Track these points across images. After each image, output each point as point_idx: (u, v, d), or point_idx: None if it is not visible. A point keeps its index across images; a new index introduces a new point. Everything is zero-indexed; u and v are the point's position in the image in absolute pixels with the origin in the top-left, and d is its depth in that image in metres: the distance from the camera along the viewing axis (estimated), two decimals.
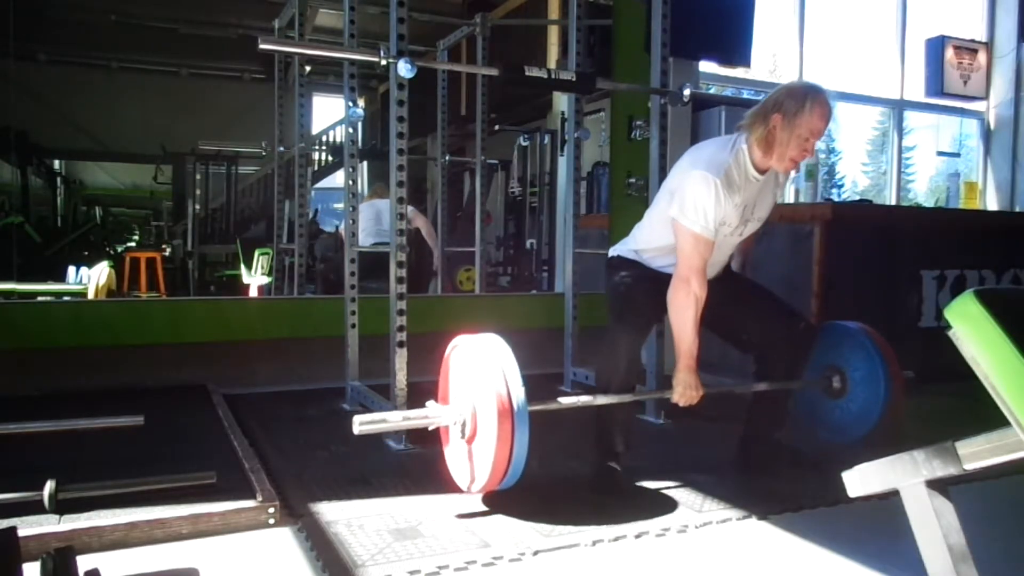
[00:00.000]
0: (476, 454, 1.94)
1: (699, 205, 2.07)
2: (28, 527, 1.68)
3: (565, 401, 2.11)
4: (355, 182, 3.29)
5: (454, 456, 2.08)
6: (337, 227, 7.84)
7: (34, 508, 1.83)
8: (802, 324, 2.36)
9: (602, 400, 2.17)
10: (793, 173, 2.24)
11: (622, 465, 2.22)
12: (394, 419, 2.01)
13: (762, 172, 2.15)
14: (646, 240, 2.32)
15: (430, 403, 2.09)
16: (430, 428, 2.07)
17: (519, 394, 1.83)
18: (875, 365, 2.35)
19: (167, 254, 8.95)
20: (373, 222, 5.10)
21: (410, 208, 4.96)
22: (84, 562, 1.25)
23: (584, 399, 2.15)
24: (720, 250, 2.25)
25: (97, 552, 1.68)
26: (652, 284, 2.24)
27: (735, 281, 2.41)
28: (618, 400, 2.18)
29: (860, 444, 2.35)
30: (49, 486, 1.84)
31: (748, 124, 2.12)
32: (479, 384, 1.91)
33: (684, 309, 2.08)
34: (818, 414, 2.53)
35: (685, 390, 2.14)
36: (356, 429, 1.91)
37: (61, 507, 1.84)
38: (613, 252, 2.43)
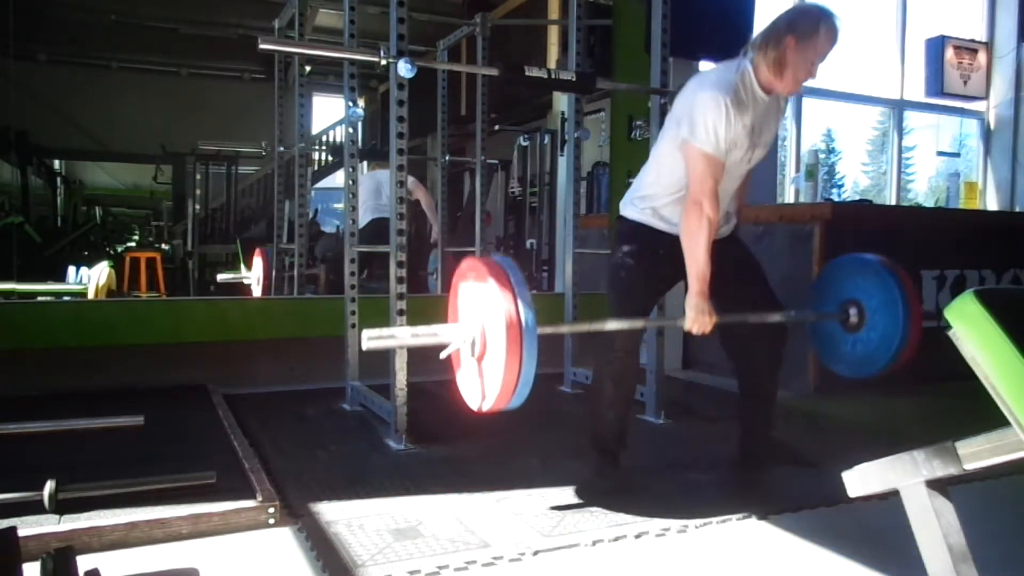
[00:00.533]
0: (486, 372, 1.88)
1: (710, 124, 2.05)
2: (28, 527, 1.68)
3: (564, 328, 2.06)
4: (355, 182, 3.30)
5: (465, 377, 2.00)
6: (338, 227, 7.84)
7: (34, 508, 1.83)
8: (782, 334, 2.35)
9: (612, 325, 2.12)
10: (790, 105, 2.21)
11: (620, 464, 2.22)
12: (403, 335, 1.98)
13: (767, 93, 2.15)
14: (654, 182, 2.26)
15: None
16: (440, 346, 1.99)
17: (528, 309, 1.79)
18: (891, 290, 2.24)
19: (167, 253, 8.94)
20: (373, 196, 5.10)
21: (411, 179, 4.97)
22: (84, 562, 1.25)
23: (595, 325, 2.11)
24: (731, 178, 2.21)
25: (97, 552, 1.68)
26: (653, 265, 2.22)
27: (735, 258, 2.34)
28: (628, 326, 2.14)
29: (883, 372, 2.26)
30: (49, 486, 1.84)
31: (759, 45, 2.11)
32: (488, 301, 1.86)
33: (697, 233, 2.04)
34: (839, 351, 2.41)
35: (698, 316, 2.06)
36: (364, 344, 1.88)
37: (61, 507, 1.84)
38: (623, 211, 2.36)
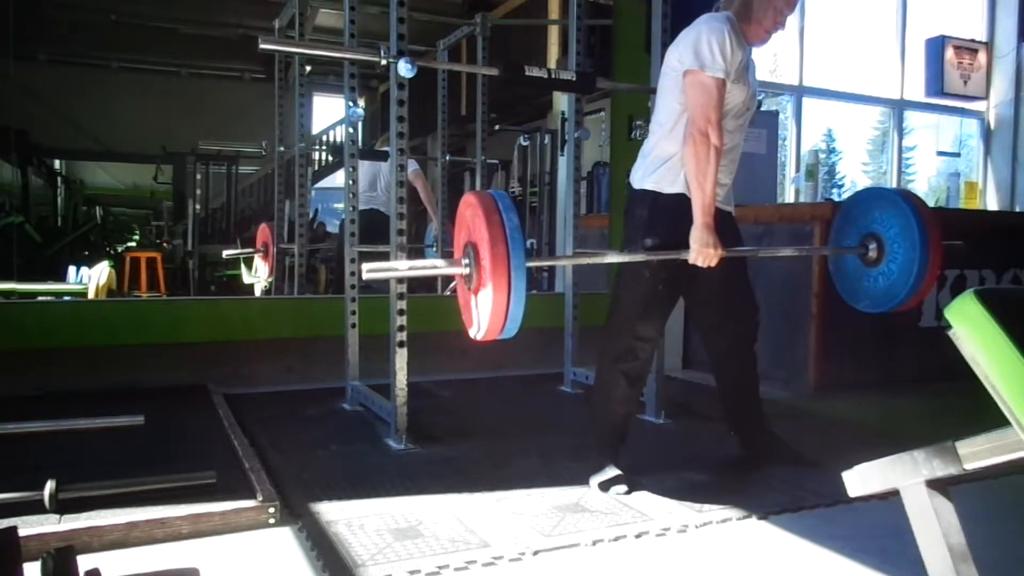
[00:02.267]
0: (480, 304, 1.91)
1: (715, 46, 2.02)
2: (28, 527, 1.68)
3: (562, 261, 2.05)
4: (355, 182, 3.30)
5: (464, 306, 2.03)
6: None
7: (34, 508, 1.83)
8: (756, 315, 2.41)
9: (612, 258, 2.13)
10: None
11: (621, 464, 2.23)
12: (401, 267, 2.01)
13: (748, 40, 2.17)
14: (668, 145, 2.16)
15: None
16: (437, 276, 2.04)
17: (517, 244, 1.81)
18: (908, 218, 2.20)
19: (167, 253, 8.94)
20: (369, 186, 5.08)
21: (412, 166, 4.94)
22: (84, 562, 1.25)
23: (594, 259, 2.12)
24: (732, 137, 2.17)
25: (97, 552, 1.68)
26: (674, 270, 2.15)
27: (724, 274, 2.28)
28: (629, 257, 2.12)
29: (904, 304, 2.24)
30: (49, 486, 1.84)
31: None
32: (481, 237, 1.88)
33: (704, 163, 2.00)
34: (861, 286, 2.37)
35: (702, 248, 2.01)
36: (365, 275, 1.89)
37: (61, 507, 1.84)
38: (637, 185, 2.24)
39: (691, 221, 2.05)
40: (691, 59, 2.04)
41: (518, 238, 1.82)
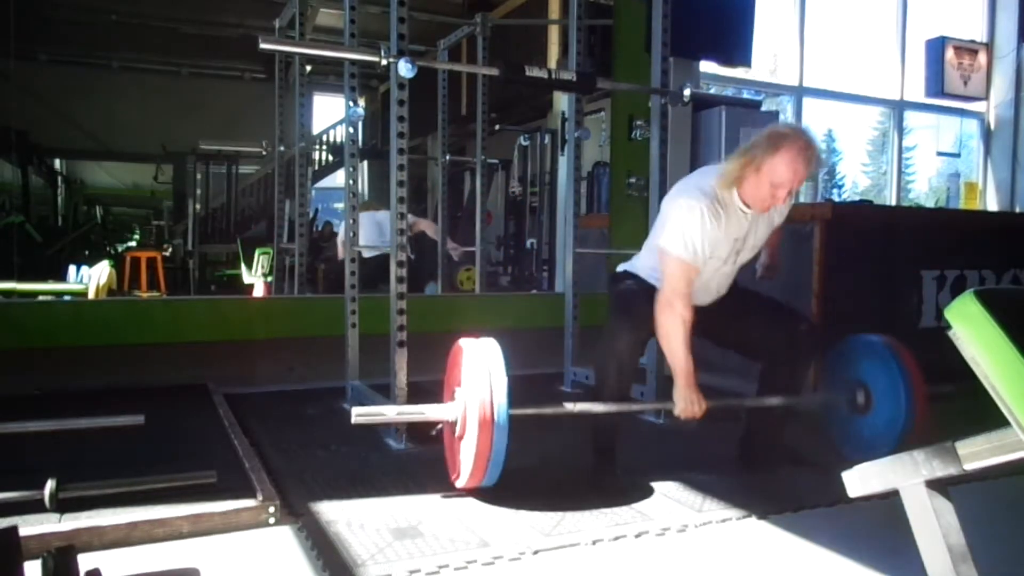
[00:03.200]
0: (464, 452, 2.00)
1: (683, 231, 2.09)
2: (29, 526, 1.68)
3: (548, 410, 2.13)
4: (355, 182, 3.30)
5: (449, 450, 2.15)
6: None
7: (35, 507, 1.83)
8: (803, 326, 2.34)
9: (599, 409, 2.17)
10: (789, 201, 2.17)
11: (616, 463, 2.22)
12: (390, 412, 2.08)
13: (748, 206, 2.14)
14: (647, 267, 2.32)
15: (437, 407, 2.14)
16: (427, 423, 2.13)
17: (501, 401, 1.91)
18: (895, 376, 2.29)
19: (167, 253, 8.94)
20: (377, 237, 5.13)
21: (412, 217, 4.96)
22: (85, 561, 1.25)
23: (580, 406, 2.15)
24: (717, 279, 2.26)
25: (98, 551, 1.68)
26: (654, 294, 2.23)
27: (735, 294, 2.39)
28: (616, 409, 2.19)
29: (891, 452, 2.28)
30: (50, 485, 1.84)
31: (732, 156, 2.11)
32: (469, 387, 1.98)
33: (671, 332, 2.08)
34: (845, 431, 2.45)
35: (687, 405, 2.12)
36: (353, 419, 1.98)
37: (62, 506, 1.84)
38: (620, 268, 2.44)
39: (630, 281, 2.31)
40: (664, 237, 2.13)
41: (502, 387, 1.93)
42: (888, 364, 2.31)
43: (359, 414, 1.99)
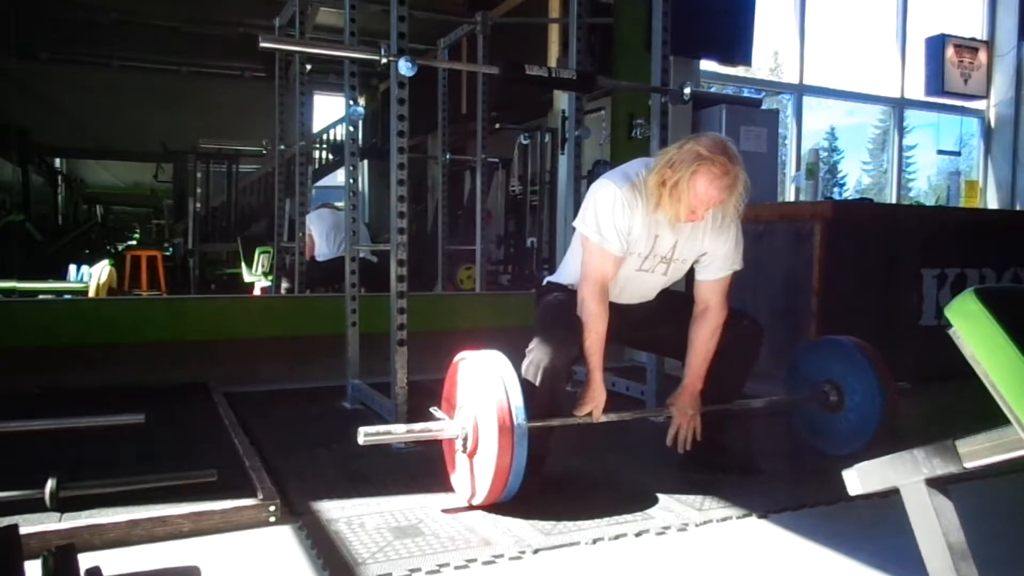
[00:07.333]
0: (477, 468, 1.96)
1: (595, 212, 2.04)
2: (29, 525, 1.68)
3: (556, 422, 2.08)
4: (355, 180, 3.30)
5: (456, 468, 2.10)
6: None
7: (35, 506, 1.83)
8: (745, 321, 2.25)
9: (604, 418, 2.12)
10: (735, 226, 2.12)
11: (542, 472, 2.11)
12: (399, 431, 2.04)
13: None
14: (572, 274, 2.24)
15: (433, 409, 2.11)
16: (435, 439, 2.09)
17: (520, 413, 1.86)
18: (868, 376, 2.35)
19: (168, 252, 8.94)
20: (333, 234, 5.20)
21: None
22: (85, 560, 1.26)
23: (582, 419, 2.13)
24: (637, 283, 2.20)
25: (98, 550, 1.68)
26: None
27: (663, 299, 2.32)
28: (560, 422, 2.09)
29: (861, 452, 2.32)
30: (50, 484, 1.84)
31: (653, 165, 2.04)
32: (481, 401, 1.94)
33: (583, 315, 2.05)
34: (817, 428, 2.50)
35: (594, 395, 2.08)
36: (361, 440, 1.94)
37: (62, 505, 1.84)
38: (545, 280, 2.39)
39: (558, 292, 2.24)
40: (579, 217, 2.11)
41: (519, 399, 1.88)
42: (859, 364, 2.37)
43: (367, 434, 1.94)
